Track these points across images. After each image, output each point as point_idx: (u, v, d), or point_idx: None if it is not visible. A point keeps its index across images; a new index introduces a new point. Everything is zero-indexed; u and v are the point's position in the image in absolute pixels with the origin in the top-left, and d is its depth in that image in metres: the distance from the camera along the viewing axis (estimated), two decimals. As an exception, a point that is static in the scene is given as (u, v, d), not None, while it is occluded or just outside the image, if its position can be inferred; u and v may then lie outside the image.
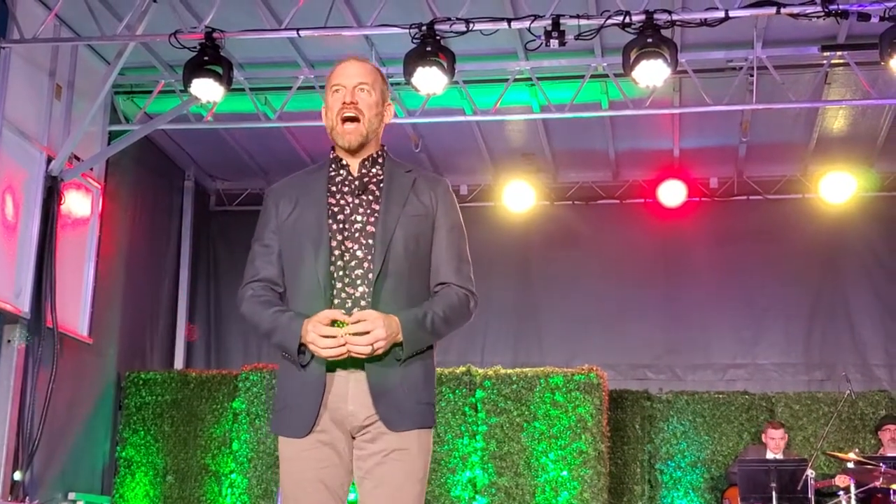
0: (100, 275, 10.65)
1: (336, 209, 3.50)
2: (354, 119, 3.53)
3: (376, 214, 3.48)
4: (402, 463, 3.38)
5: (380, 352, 3.31)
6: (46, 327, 9.48)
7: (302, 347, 3.37)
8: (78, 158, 10.10)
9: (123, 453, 10.85)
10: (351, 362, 3.36)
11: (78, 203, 10.37)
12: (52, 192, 9.75)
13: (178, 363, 12.73)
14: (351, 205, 3.51)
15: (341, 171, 3.58)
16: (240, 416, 10.65)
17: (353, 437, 3.43)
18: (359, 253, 3.44)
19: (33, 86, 9.66)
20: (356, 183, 3.55)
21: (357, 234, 3.46)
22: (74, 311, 10.25)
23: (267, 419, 10.61)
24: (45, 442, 9.42)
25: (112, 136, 10.84)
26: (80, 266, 10.41)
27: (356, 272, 3.42)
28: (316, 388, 3.39)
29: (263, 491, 10.35)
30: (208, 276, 13.54)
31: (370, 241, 3.44)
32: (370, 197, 3.52)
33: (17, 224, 9.40)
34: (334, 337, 3.28)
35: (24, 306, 9.33)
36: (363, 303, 3.39)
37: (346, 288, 3.41)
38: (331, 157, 3.64)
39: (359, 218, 3.48)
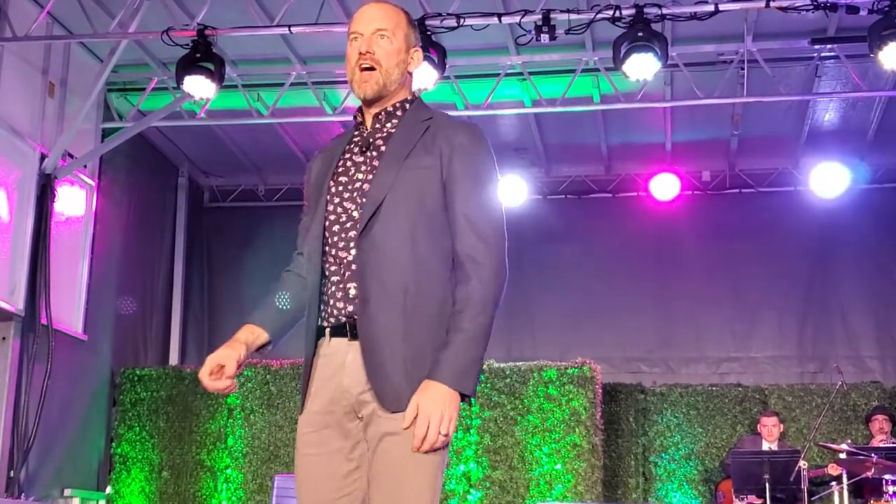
0: (94, 272, 10.66)
1: (342, 169, 3.17)
2: (370, 69, 3.15)
3: (374, 172, 3.10)
4: (399, 448, 2.93)
5: (453, 431, 2.92)
6: (41, 325, 9.50)
7: None
8: (72, 156, 10.11)
9: (119, 449, 10.86)
10: (350, 331, 3.04)
11: (72, 200, 10.37)
12: (45, 190, 9.76)
13: (174, 359, 12.75)
14: (356, 164, 3.16)
15: (359, 128, 3.25)
16: (234, 411, 10.67)
17: (359, 417, 3.02)
18: (354, 214, 3.07)
19: (26, 84, 9.68)
20: (362, 138, 3.21)
21: (355, 195, 3.10)
22: (69, 309, 10.27)
23: (261, 414, 10.67)
24: (40, 439, 9.44)
25: (105, 133, 10.86)
26: (75, 263, 10.42)
27: (350, 234, 3.07)
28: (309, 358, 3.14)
29: (258, 486, 10.38)
30: (202, 272, 13.52)
31: (364, 200, 3.06)
32: (374, 153, 3.14)
33: (11, 222, 9.42)
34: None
35: (18, 304, 9.34)
36: (354, 267, 3.03)
37: (340, 252, 3.07)
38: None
39: (360, 176, 3.12)
